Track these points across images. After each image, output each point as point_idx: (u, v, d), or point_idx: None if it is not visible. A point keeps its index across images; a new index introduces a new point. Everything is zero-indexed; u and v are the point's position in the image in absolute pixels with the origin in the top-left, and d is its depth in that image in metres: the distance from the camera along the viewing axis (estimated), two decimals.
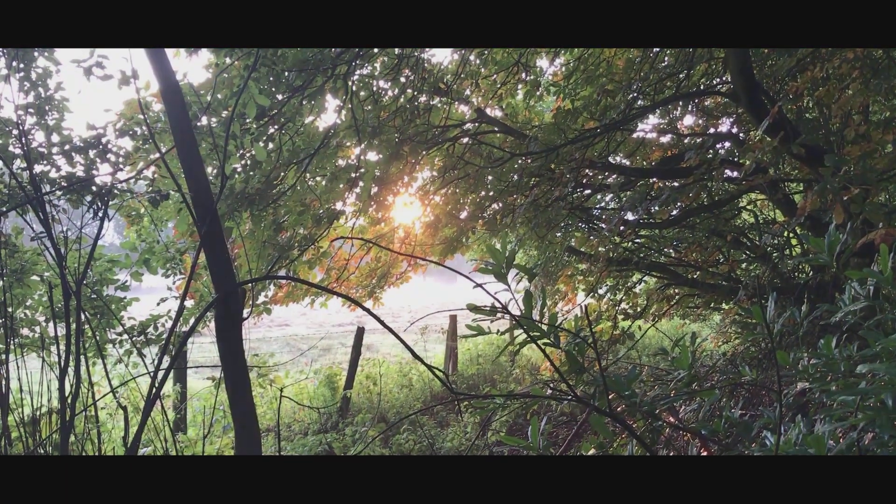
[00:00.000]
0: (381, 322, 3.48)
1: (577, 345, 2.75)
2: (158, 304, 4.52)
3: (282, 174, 7.04)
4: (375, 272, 9.96)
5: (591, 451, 3.26)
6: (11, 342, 3.88)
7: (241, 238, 6.32)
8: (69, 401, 3.42)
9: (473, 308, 2.61)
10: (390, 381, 9.90)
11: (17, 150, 3.87)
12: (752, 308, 2.60)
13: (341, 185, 7.41)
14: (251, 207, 6.59)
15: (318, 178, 7.61)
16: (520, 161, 6.91)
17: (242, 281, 3.69)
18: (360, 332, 9.79)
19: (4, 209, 3.66)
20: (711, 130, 7.00)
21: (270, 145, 6.48)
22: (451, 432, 8.12)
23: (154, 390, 3.24)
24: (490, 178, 7.76)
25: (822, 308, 2.60)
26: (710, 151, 5.36)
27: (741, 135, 6.43)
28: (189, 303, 5.17)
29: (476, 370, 11.46)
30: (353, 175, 7.35)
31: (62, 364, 3.50)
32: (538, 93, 8.15)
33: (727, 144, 6.21)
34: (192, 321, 4.23)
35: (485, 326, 2.72)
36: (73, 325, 3.50)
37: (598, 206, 8.06)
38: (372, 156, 7.40)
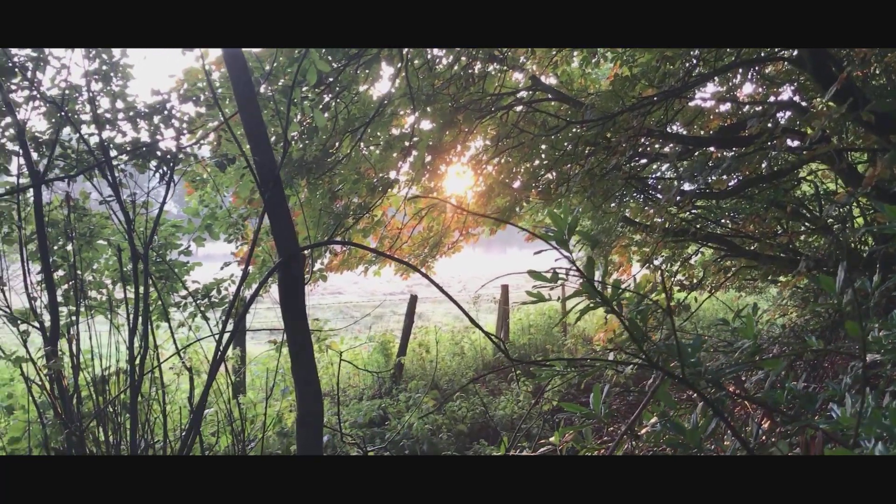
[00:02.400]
0: (440, 288, 3.49)
1: (640, 312, 2.72)
2: (222, 268, 4.60)
3: (337, 143, 7.08)
4: (427, 241, 9.98)
5: (653, 420, 3.23)
6: (81, 304, 3.99)
7: (301, 206, 6.38)
8: (137, 361, 3.51)
9: (534, 274, 2.60)
10: (442, 348, 9.96)
11: (84, 116, 3.95)
12: (821, 278, 2.54)
13: (395, 154, 7.41)
14: (308, 176, 6.65)
15: (371, 147, 7.63)
16: (575, 129, 6.82)
17: (305, 246, 3.73)
18: (413, 300, 9.85)
19: (73, 173, 3.74)
20: (772, 99, 6.81)
21: (326, 114, 6.50)
22: (504, 400, 8.16)
23: (220, 352, 3.31)
24: (544, 146, 7.68)
25: (894, 278, 2.52)
26: (772, 120, 5.22)
27: (803, 103, 6.24)
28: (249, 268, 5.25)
29: (528, 340, 11.47)
30: (406, 144, 7.35)
31: (131, 325, 3.59)
32: (594, 60, 8.00)
33: (788, 113, 6.04)
34: (254, 286, 4.29)
35: (544, 294, 2.70)
36: (141, 289, 3.59)
37: (653, 176, 7.92)
38: (426, 124, 7.37)
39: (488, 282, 2.78)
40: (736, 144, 6.02)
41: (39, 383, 3.74)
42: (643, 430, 3.20)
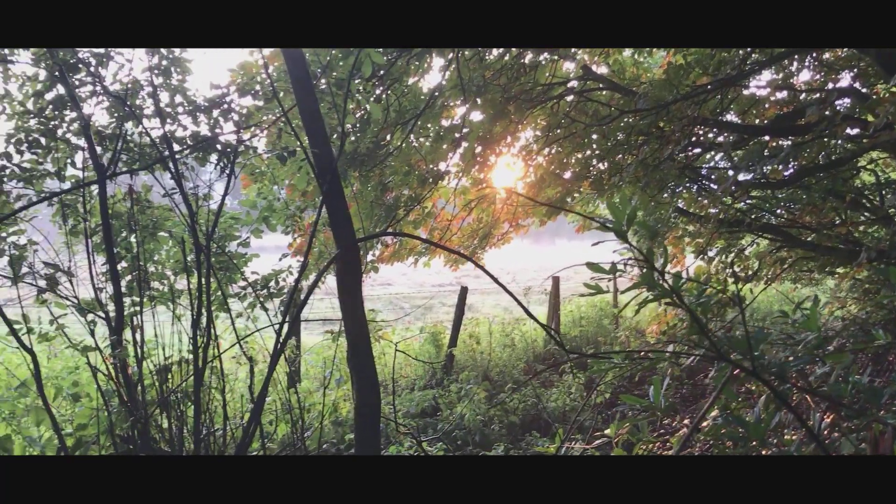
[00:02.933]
0: (495, 279, 3.49)
1: (701, 304, 2.69)
2: (280, 259, 4.66)
3: (388, 136, 7.11)
4: (477, 233, 9.97)
5: (714, 413, 3.19)
6: (144, 294, 4.08)
7: (355, 198, 6.43)
8: (200, 350, 3.58)
9: (593, 266, 2.58)
10: (493, 340, 9.96)
11: (145, 111, 4.03)
12: (891, 270, 2.48)
13: (445, 146, 7.42)
14: (360, 168, 6.70)
15: (422, 139, 7.65)
16: (627, 119, 6.74)
17: (362, 237, 3.76)
18: (464, 292, 9.86)
19: (138, 167, 3.83)
20: (831, 86, 6.64)
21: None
22: (556, 392, 8.12)
23: (280, 342, 3.36)
24: (595, 136, 7.61)
25: None
26: (831, 107, 5.08)
27: (864, 89, 6.07)
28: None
29: (579, 332, 11.40)
30: (456, 135, 7.35)
31: (194, 315, 3.66)
32: (646, 49, 7.89)
33: (847, 100, 5.88)
34: (311, 276, 4.34)
35: (602, 286, 2.68)
36: (203, 280, 3.66)
37: (706, 166, 7.79)
38: (476, 116, 7.35)
39: (551, 275, 2.77)
40: (793, 133, 5.89)
41: (105, 372, 3.84)
42: (704, 424, 3.17)
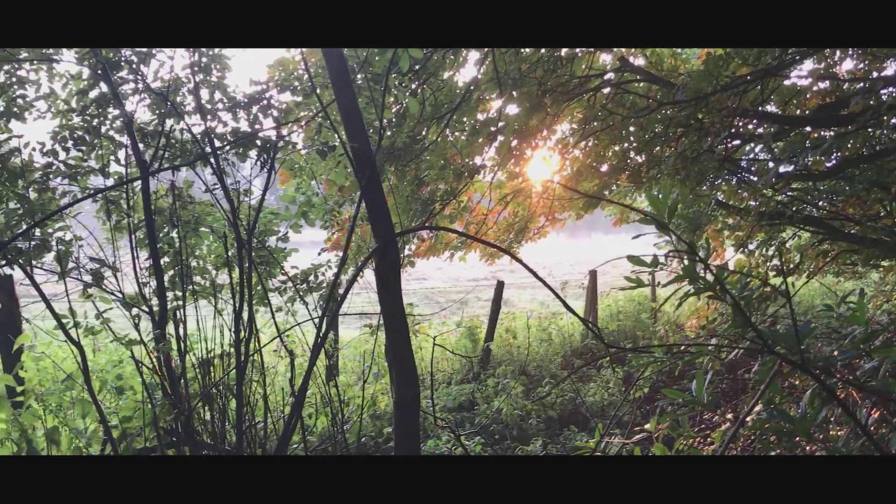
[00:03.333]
0: (533, 273, 3.48)
1: (744, 297, 2.65)
2: (319, 254, 4.70)
3: (424, 130, 7.11)
4: (513, 227, 9.94)
5: (758, 407, 3.14)
6: (187, 289, 4.15)
7: (391, 193, 6.45)
8: (242, 344, 3.62)
9: (634, 259, 2.56)
10: (529, 335, 9.93)
11: (185, 107, 4.09)
12: None
13: (481, 140, 7.41)
14: (396, 163, 6.72)
15: (457, 133, 7.64)
16: (665, 111, 6.67)
17: (401, 231, 3.77)
18: (500, 286, 9.84)
19: (180, 163, 3.88)
20: (875, 75, 6.49)
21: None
22: (594, 387, 8.07)
23: (321, 336, 3.38)
24: (633, 129, 7.54)
25: None
26: (875, 97, 4.97)
27: None
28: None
29: (617, 326, 11.32)
30: (492, 129, 7.34)
31: (236, 308, 3.70)
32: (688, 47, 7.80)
33: (893, 89, 5.75)
34: (350, 271, 4.36)
35: (643, 279, 2.66)
36: (245, 274, 3.70)
37: (746, 157, 7.67)
38: (512, 109, 7.33)
39: (590, 269, 2.75)
40: (836, 123, 5.77)
41: (149, 365, 3.91)
42: (749, 419, 3.12)
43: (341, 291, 3.68)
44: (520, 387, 7.67)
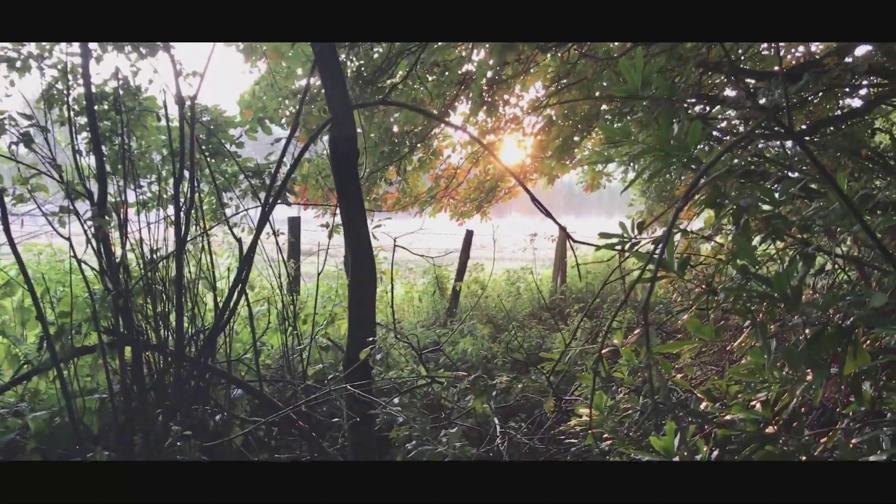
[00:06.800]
0: (529, 192, 3.31)
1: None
2: (273, 143, 4.46)
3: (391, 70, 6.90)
4: (484, 185, 9.78)
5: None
6: (129, 173, 3.86)
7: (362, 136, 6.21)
8: (183, 215, 3.41)
9: (604, 235, 2.51)
10: (498, 287, 9.80)
11: None
12: None
13: (453, 82, 7.26)
14: (366, 88, 6.45)
15: (429, 77, 7.47)
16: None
17: (358, 104, 3.57)
18: (469, 235, 9.71)
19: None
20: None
21: None
22: (561, 337, 7.93)
23: (266, 210, 3.18)
24: (605, 84, 7.40)
25: None
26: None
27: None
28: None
29: (585, 285, 11.21)
30: (464, 70, 7.19)
31: (176, 174, 3.46)
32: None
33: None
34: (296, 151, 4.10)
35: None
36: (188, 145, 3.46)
37: (720, 117, 7.59)
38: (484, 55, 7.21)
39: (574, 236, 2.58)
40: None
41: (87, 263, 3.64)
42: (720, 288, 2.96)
43: (289, 169, 3.47)
44: (486, 329, 7.51)
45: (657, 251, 2.03)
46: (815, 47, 7.03)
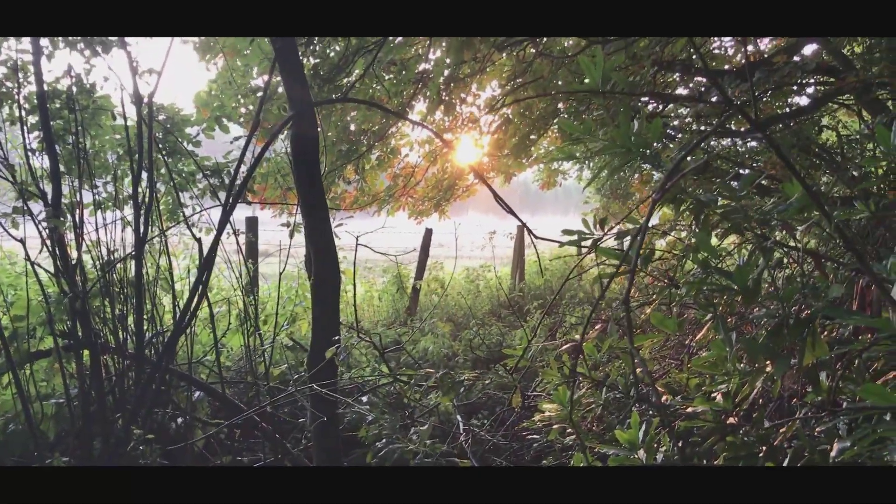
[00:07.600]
0: (491, 188, 3.30)
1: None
2: (231, 142, 4.41)
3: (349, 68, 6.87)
4: (442, 184, 9.80)
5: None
6: (85, 180, 3.79)
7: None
8: (143, 211, 3.35)
9: (568, 232, 2.51)
10: (458, 286, 9.82)
11: None
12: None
13: (410, 81, 7.26)
14: (324, 85, 6.41)
15: (385, 75, 7.45)
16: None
17: (319, 101, 3.54)
18: (429, 234, 9.70)
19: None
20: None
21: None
22: (521, 334, 7.97)
23: (226, 210, 3.14)
24: (561, 83, 7.45)
25: None
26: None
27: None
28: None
29: (543, 283, 11.28)
30: (421, 67, 7.20)
31: (135, 172, 3.40)
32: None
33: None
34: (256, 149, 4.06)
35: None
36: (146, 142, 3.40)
37: (672, 115, 7.69)
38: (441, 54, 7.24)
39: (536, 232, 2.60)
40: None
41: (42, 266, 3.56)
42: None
43: (250, 167, 3.42)
44: (447, 327, 7.53)
45: (636, 244, 2.04)
46: (764, 45, 7.19)
